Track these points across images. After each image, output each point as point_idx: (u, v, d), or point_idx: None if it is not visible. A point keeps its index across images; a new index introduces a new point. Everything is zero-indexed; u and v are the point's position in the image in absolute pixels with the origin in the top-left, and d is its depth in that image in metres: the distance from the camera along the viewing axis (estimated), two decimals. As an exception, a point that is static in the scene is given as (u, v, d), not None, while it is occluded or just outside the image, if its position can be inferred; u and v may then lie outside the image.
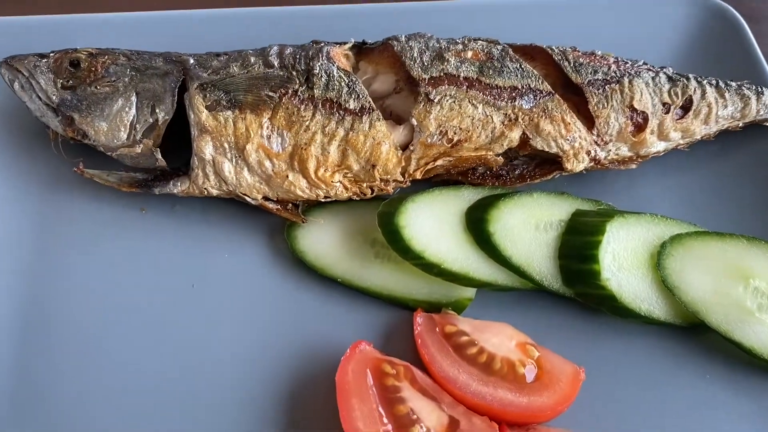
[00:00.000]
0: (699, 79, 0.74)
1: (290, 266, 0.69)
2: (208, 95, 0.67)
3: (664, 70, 0.74)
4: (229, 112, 0.67)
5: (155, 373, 0.63)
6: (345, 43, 0.73)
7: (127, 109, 0.68)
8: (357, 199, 0.69)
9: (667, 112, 0.72)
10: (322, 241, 0.69)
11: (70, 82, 0.69)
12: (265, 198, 0.69)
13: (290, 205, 0.70)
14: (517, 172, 0.72)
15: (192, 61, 0.70)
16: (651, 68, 0.74)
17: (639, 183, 0.75)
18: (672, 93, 0.72)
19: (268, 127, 0.67)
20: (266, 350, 0.64)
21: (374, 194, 0.69)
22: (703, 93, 0.73)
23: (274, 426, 0.61)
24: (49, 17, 0.82)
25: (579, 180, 0.74)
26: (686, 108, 0.73)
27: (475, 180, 0.71)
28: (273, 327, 0.66)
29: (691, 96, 0.72)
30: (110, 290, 0.67)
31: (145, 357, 0.64)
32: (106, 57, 0.70)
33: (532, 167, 0.72)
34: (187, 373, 0.63)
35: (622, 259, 0.66)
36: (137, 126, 0.67)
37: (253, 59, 0.70)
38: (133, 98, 0.68)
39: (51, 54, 0.71)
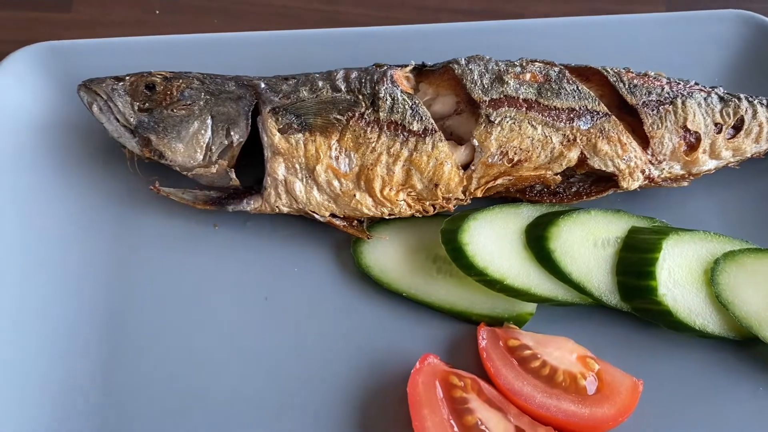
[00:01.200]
0: (750, 98, 0.76)
1: (356, 280, 0.72)
2: (280, 119, 0.71)
3: (716, 90, 0.76)
4: (300, 135, 0.70)
5: (232, 384, 0.67)
6: (406, 66, 0.76)
7: (203, 131, 0.71)
8: (419, 216, 0.73)
9: (719, 132, 0.74)
10: (386, 257, 0.72)
11: (147, 104, 0.73)
12: (332, 215, 0.72)
13: (356, 221, 0.73)
14: (573, 190, 0.74)
15: (263, 85, 0.73)
16: (703, 89, 0.76)
17: (690, 200, 0.77)
18: (724, 113, 0.74)
19: (336, 149, 0.71)
20: (336, 361, 0.68)
21: (436, 212, 0.72)
22: (755, 113, 0.75)
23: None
24: (118, 40, 0.85)
25: (632, 197, 0.77)
26: (737, 127, 0.75)
27: (533, 197, 0.73)
28: (342, 338, 0.69)
29: (742, 116, 0.75)
30: (187, 304, 0.71)
31: (222, 369, 0.68)
32: (181, 81, 0.74)
33: (588, 185, 0.74)
34: (263, 383, 0.67)
35: (677, 275, 0.68)
36: (213, 147, 0.71)
37: (321, 83, 0.73)
38: (209, 121, 0.71)
39: (126, 77, 0.75)
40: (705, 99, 0.75)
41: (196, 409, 0.66)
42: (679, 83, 0.76)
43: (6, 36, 0.92)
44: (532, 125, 0.71)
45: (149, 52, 0.83)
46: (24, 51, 0.82)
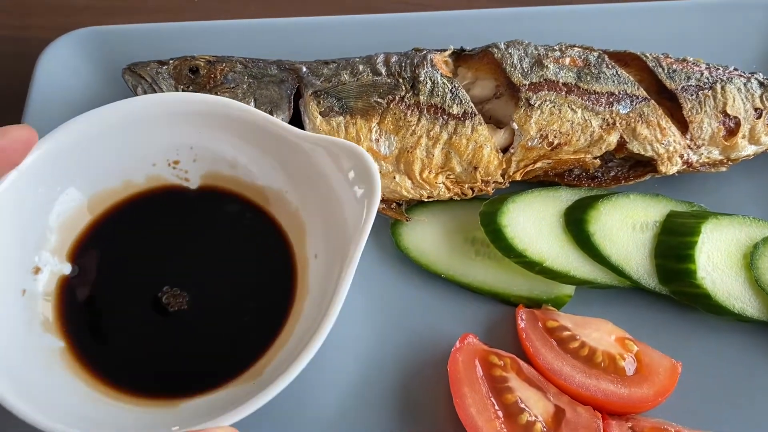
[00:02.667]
0: (790, 84, 0.76)
1: (395, 262, 0.73)
2: (321, 102, 0.72)
3: (755, 75, 0.76)
4: (341, 118, 0.72)
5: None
6: (444, 50, 0.76)
7: (246, 114, 0.73)
8: (457, 199, 0.73)
9: (759, 117, 0.74)
10: (425, 239, 0.73)
11: (191, 88, 0.74)
12: (372, 197, 0.73)
13: (395, 204, 0.74)
14: (611, 174, 0.75)
15: (305, 69, 0.74)
16: (742, 74, 0.76)
17: (727, 185, 0.77)
18: (764, 98, 0.74)
19: (376, 132, 0.72)
20: (377, 342, 0.68)
21: (474, 194, 0.73)
22: (795, 98, 0.75)
23: (389, 411, 0.65)
24: (160, 25, 0.87)
25: (669, 181, 0.77)
26: (778, 113, 0.75)
27: (572, 181, 0.74)
28: (381, 319, 0.70)
29: (783, 101, 0.75)
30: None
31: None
32: (224, 64, 0.75)
33: (626, 169, 0.75)
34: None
35: (716, 259, 0.69)
36: (255, 130, 0.72)
37: (361, 67, 0.74)
38: (252, 104, 0.72)
39: (170, 61, 0.76)
40: (745, 84, 0.75)
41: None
42: (718, 68, 0.76)
43: (49, 22, 0.94)
44: (572, 109, 0.72)
45: (190, 38, 0.84)
46: (68, 36, 0.84)
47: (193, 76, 0.75)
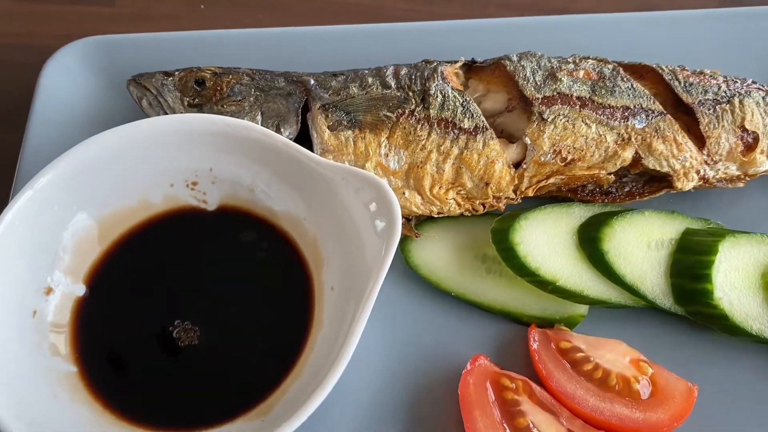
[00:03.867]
0: (810, 98, 0.74)
1: (405, 279, 0.71)
2: (330, 115, 0.70)
3: (775, 88, 0.74)
4: (350, 132, 0.70)
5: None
6: (455, 62, 0.75)
7: (252, 127, 0.71)
8: (468, 215, 0.72)
9: (778, 132, 0.72)
10: (435, 256, 0.71)
11: (196, 100, 0.73)
12: (381, 213, 0.71)
13: (403, 219, 0.72)
14: (626, 190, 0.73)
15: (312, 81, 0.73)
16: (761, 87, 0.74)
17: (744, 200, 0.75)
18: (784, 112, 0.73)
19: (385, 146, 0.70)
20: (385, 360, 0.67)
21: (485, 210, 0.72)
22: (815, 112, 0.73)
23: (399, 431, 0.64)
24: (166, 34, 0.85)
25: (684, 197, 0.75)
26: (797, 127, 0.73)
27: (585, 197, 0.72)
28: (390, 337, 0.68)
29: (802, 115, 0.73)
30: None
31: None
32: (231, 77, 0.73)
33: (641, 185, 0.73)
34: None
35: (733, 279, 0.67)
36: (262, 144, 0.71)
37: (370, 80, 0.72)
38: (259, 117, 0.71)
39: (176, 72, 0.75)
40: (764, 98, 0.73)
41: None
42: (736, 81, 0.74)
43: (53, 30, 0.93)
44: (586, 124, 0.70)
45: (196, 47, 0.83)
46: (72, 46, 0.83)
47: (199, 88, 0.73)
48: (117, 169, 0.64)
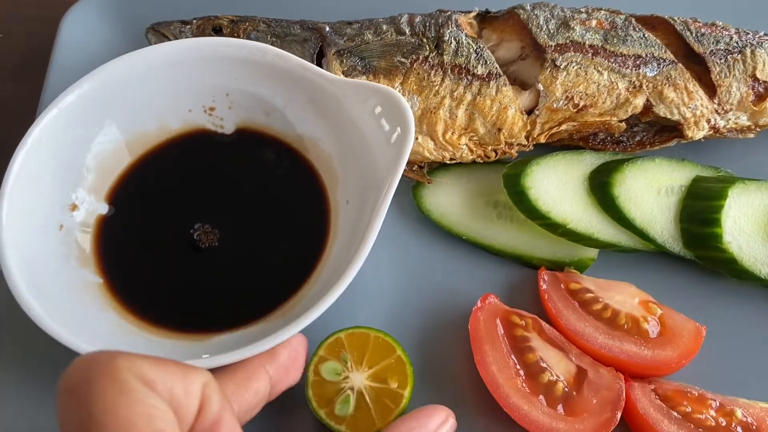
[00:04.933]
0: (822, 49, 0.74)
1: (417, 224, 0.72)
2: (344, 61, 0.71)
3: (787, 40, 0.75)
4: (364, 77, 0.71)
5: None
6: (469, 12, 0.76)
7: (269, 72, 0.72)
8: (480, 161, 0.73)
9: (790, 82, 0.73)
10: (447, 201, 0.72)
11: (213, 47, 0.74)
12: (394, 159, 0.72)
13: (416, 166, 0.73)
14: (637, 139, 0.74)
15: (328, 28, 0.74)
16: (773, 38, 0.75)
17: (754, 151, 0.76)
18: (795, 63, 0.73)
19: (399, 91, 0.71)
20: (399, 301, 0.68)
21: (497, 157, 0.72)
22: (827, 63, 0.74)
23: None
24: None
25: (695, 148, 0.75)
26: (809, 78, 0.74)
27: (596, 145, 0.73)
28: (403, 279, 0.69)
29: (814, 66, 0.73)
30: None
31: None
32: (247, 24, 0.75)
33: (652, 134, 0.74)
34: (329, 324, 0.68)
35: (743, 224, 0.68)
36: (278, 89, 0.72)
37: (385, 27, 0.73)
38: (275, 63, 0.72)
39: (194, 20, 0.76)
40: (775, 49, 0.73)
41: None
42: (748, 33, 0.75)
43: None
44: (598, 71, 0.71)
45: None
46: (92, -3, 0.84)
47: (217, 35, 0.75)
48: (138, 91, 0.66)
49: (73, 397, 0.38)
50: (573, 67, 0.70)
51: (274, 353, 0.52)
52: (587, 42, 0.71)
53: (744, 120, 0.73)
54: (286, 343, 0.53)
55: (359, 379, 0.58)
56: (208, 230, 0.64)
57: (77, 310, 0.58)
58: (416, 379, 0.61)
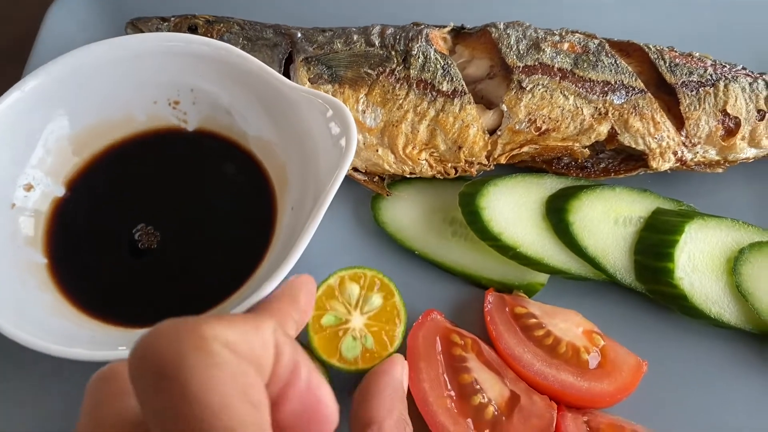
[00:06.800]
0: (799, 88, 0.73)
1: (372, 235, 0.73)
2: (311, 68, 0.72)
3: (764, 76, 0.73)
4: (329, 86, 0.71)
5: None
6: (444, 27, 0.76)
7: (237, 74, 0.73)
8: (440, 177, 0.73)
9: (762, 119, 0.71)
10: (403, 215, 0.73)
11: (188, 45, 0.75)
12: (354, 169, 0.73)
13: (377, 177, 0.73)
14: (602, 166, 0.73)
15: (299, 35, 0.74)
16: (749, 74, 0.73)
17: (725, 188, 0.75)
18: (769, 100, 0.72)
19: (363, 103, 0.71)
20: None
21: (458, 174, 0.72)
22: (802, 103, 0.72)
23: (346, 379, 0.65)
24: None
25: (664, 179, 0.75)
26: (783, 116, 0.72)
27: (560, 170, 0.72)
28: (352, 290, 0.70)
29: (789, 105, 0.72)
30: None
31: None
32: (222, 25, 0.76)
33: (618, 162, 0.73)
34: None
35: (698, 261, 0.67)
36: (245, 91, 0.73)
37: (355, 37, 0.73)
38: (243, 65, 0.73)
39: (172, 18, 0.77)
40: (750, 84, 0.72)
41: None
42: (724, 66, 0.73)
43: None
44: (564, 95, 0.70)
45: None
46: (80, -12, 0.86)
47: (192, 34, 0.75)
48: (103, 80, 0.68)
49: (162, 375, 0.34)
50: (539, 89, 0.70)
51: (296, 299, 0.50)
52: (556, 65, 0.71)
53: (713, 154, 0.72)
54: (302, 287, 0.51)
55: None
56: (150, 231, 0.65)
57: (14, 289, 0.60)
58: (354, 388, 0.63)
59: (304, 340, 0.63)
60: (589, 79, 0.71)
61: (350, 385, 0.61)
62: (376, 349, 0.62)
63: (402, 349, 0.64)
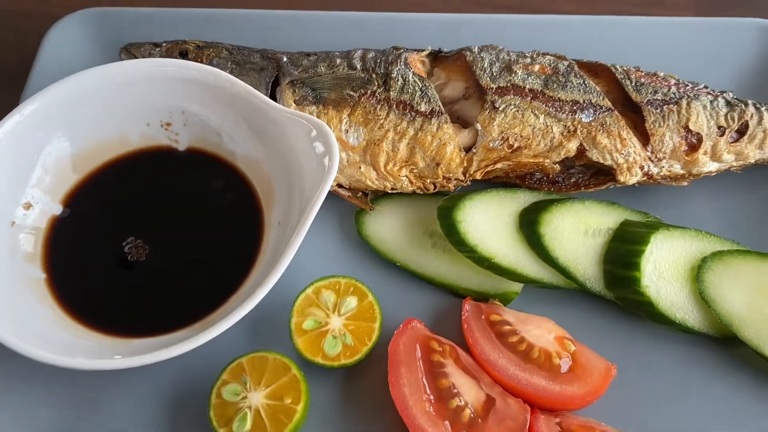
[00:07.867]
0: (758, 105, 0.77)
1: (356, 248, 0.76)
2: (297, 90, 0.76)
3: (724, 94, 0.78)
4: (314, 107, 0.75)
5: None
6: (422, 51, 0.80)
7: (226, 97, 0.77)
8: (420, 193, 0.76)
9: (722, 135, 0.76)
10: (385, 228, 0.76)
11: (179, 70, 0.79)
12: (339, 185, 0.77)
13: (360, 193, 0.77)
14: (572, 180, 0.77)
15: (285, 59, 0.78)
16: (711, 92, 0.77)
17: (690, 200, 0.79)
18: (729, 117, 0.76)
19: (346, 123, 0.75)
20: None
21: (436, 190, 0.76)
22: (760, 119, 0.76)
23: (331, 386, 0.68)
24: (162, 9, 0.92)
25: (632, 193, 0.78)
26: (742, 132, 0.76)
27: (533, 184, 0.76)
28: (336, 300, 0.73)
29: (747, 121, 0.76)
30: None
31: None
32: (211, 50, 0.80)
33: (588, 177, 0.77)
34: (263, 340, 0.71)
35: (663, 269, 0.70)
36: (233, 113, 0.77)
37: (338, 61, 0.78)
38: (232, 88, 0.77)
39: (163, 44, 0.81)
40: (711, 102, 0.76)
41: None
42: (687, 85, 0.78)
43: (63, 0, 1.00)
44: (535, 114, 0.74)
45: (194, 23, 0.89)
46: (74, 15, 0.90)
47: (182, 59, 0.79)
48: (99, 104, 0.72)
49: None
50: (511, 109, 0.74)
51: None
52: (528, 86, 0.75)
53: (678, 168, 0.76)
54: None
55: (257, 398, 0.63)
56: (140, 245, 0.69)
57: (15, 303, 0.63)
58: (338, 393, 0.66)
59: (289, 344, 0.67)
60: (559, 98, 0.75)
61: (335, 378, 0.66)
62: (356, 344, 0.67)
63: (381, 343, 0.68)
